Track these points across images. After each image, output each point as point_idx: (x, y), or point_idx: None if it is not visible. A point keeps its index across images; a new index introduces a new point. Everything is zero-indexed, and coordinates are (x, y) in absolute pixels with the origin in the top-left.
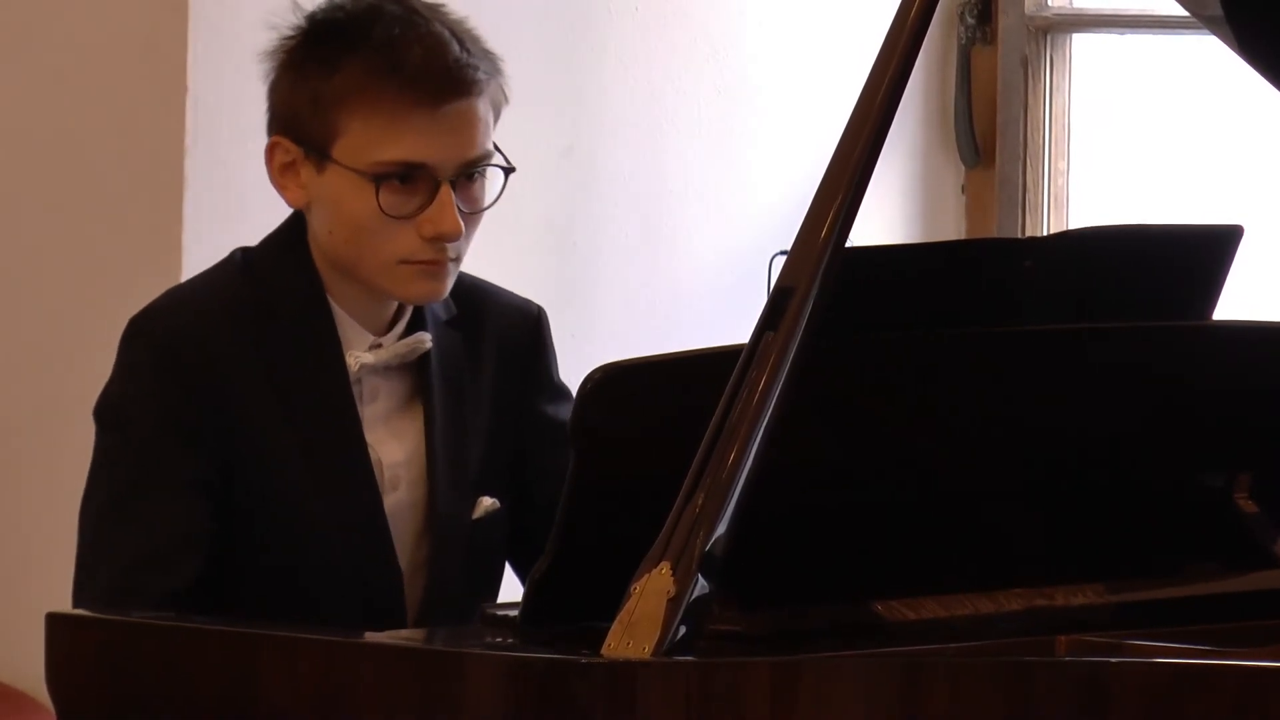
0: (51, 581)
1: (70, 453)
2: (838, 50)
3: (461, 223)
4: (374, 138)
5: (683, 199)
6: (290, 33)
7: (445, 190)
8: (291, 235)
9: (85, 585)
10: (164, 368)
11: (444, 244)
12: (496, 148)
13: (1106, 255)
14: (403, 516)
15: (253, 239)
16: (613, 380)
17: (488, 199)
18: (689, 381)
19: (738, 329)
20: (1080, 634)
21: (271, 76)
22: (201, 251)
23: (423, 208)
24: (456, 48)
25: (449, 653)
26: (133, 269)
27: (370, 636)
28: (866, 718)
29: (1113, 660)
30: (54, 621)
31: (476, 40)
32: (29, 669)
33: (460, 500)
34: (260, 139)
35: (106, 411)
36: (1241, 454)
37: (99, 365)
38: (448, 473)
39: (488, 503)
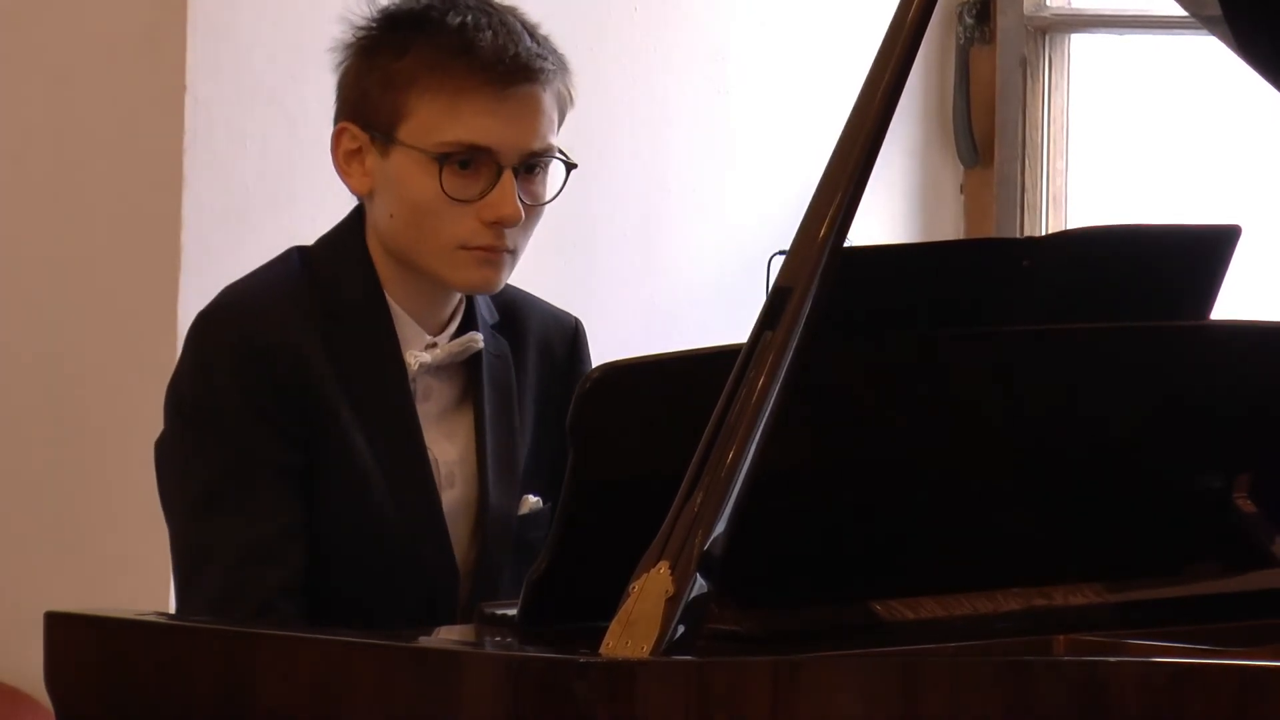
0: (52, 581)
1: (70, 451)
2: (837, 50)
3: (521, 210)
4: (440, 117)
5: (682, 199)
6: (363, 24)
7: (507, 176)
8: (348, 234)
9: (193, 584)
10: (245, 358)
11: (503, 230)
12: (560, 150)
13: (1105, 255)
14: (458, 514)
15: (252, 238)
16: (612, 379)
17: (548, 195)
18: (688, 381)
19: (737, 329)
20: (1079, 634)
21: (343, 66)
22: (201, 251)
23: (484, 193)
24: (528, 38)
25: (448, 652)
26: (132, 269)
27: (369, 636)
28: (866, 717)
29: (1112, 660)
30: (54, 621)
31: (547, 39)
32: (29, 669)
33: (509, 497)
34: (259, 139)
35: (185, 406)
36: (1241, 454)
37: (98, 364)
38: (498, 471)
39: (532, 500)
